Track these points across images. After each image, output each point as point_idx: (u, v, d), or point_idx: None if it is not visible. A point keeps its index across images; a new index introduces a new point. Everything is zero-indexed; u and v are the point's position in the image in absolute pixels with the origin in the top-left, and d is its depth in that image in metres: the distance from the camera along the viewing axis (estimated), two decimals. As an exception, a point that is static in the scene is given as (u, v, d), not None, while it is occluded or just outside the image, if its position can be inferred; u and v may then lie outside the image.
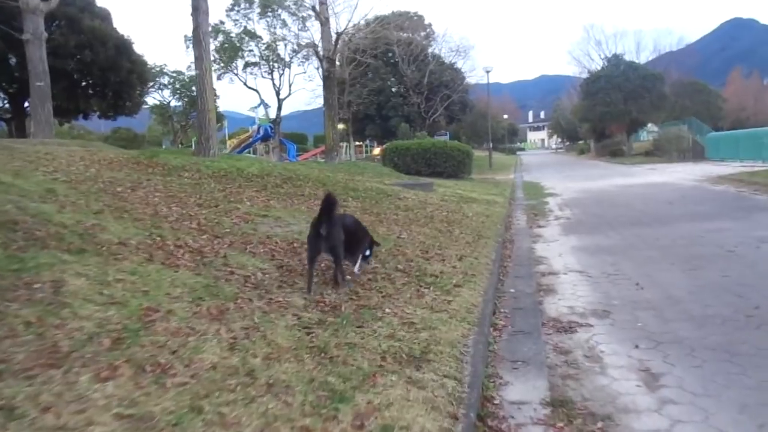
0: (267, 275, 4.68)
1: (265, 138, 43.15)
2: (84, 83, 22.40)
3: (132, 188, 7.22)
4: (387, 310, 4.34)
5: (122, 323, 3.20)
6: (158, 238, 4.91)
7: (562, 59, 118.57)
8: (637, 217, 11.31)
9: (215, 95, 45.23)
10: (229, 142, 53.11)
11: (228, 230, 5.89)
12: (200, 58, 10.95)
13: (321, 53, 17.25)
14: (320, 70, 17.39)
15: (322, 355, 3.33)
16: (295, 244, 5.86)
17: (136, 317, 3.32)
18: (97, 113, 24.72)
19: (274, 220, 6.84)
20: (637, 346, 4.21)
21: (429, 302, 4.70)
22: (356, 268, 5.20)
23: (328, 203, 4.63)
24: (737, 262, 6.75)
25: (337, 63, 38.68)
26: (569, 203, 14.72)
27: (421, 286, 5.17)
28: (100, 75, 22.07)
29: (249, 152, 47.54)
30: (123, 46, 22.99)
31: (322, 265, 5.24)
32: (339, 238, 4.69)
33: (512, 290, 5.95)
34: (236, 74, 37.54)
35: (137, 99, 23.58)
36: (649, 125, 51.86)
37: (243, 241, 5.60)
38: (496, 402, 3.34)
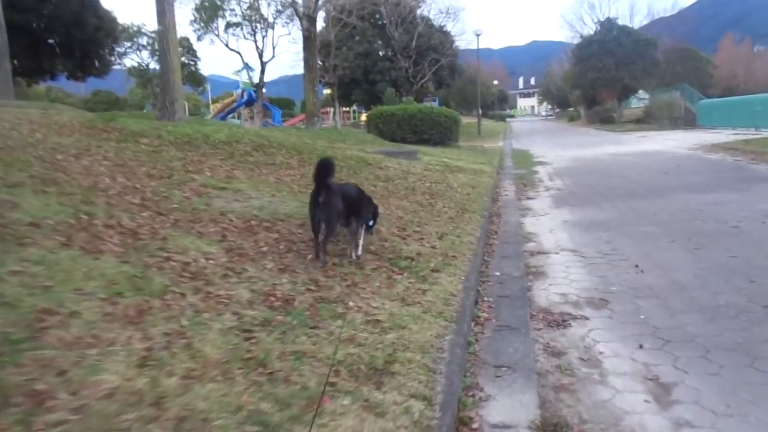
0: (211, 261, 3.99)
1: (250, 103, 42.01)
2: (49, 41, 20.93)
3: (76, 156, 6.44)
4: (350, 303, 3.70)
5: (3, 332, 2.51)
6: (85, 217, 4.19)
7: (554, 24, 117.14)
8: (631, 188, 10.69)
9: (195, 57, 43.96)
10: (212, 107, 51.68)
11: (176, 206, 5.17)
12: (163, 13, 10.01)
13: (301, 11, 16.24)
14: (301, 29, 16.32)
15: (260, 369, 2.68)
16: (252, 222, 5.16)
17: (26, 323, 2.64)
18: (65, 74, 23.33)
19: (234, 194, 6.12)
20: (641, 346, 3.61)
21: (401, 292, 4.06)
22: (357, 251, 4.85)
23: (322, 168, 4.52)
24: (744, 240, 6.16)
25: (323, 24, 37.41)
26: (560, 172, 14.08)
27: (393, 272, 4.52)
28: (64, 32, 20.50)
29: (234, 117, 46.41)
30: (88, 1, 21.38)
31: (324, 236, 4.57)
32: (335, 207, 4.48)
33: (498, 273, 5.31)
34: (217, 35, 36.11)
35: (106, 59, 22.24)
36: (640, 92, 51.08)
37: (191, 218, 4.89)
38: (474, 426, 2.72)
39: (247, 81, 45.68)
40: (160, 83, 10.57)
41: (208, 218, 4.99)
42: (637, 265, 5.41)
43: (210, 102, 53.58)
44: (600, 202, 9.24)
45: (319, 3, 16.42)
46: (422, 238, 5.76)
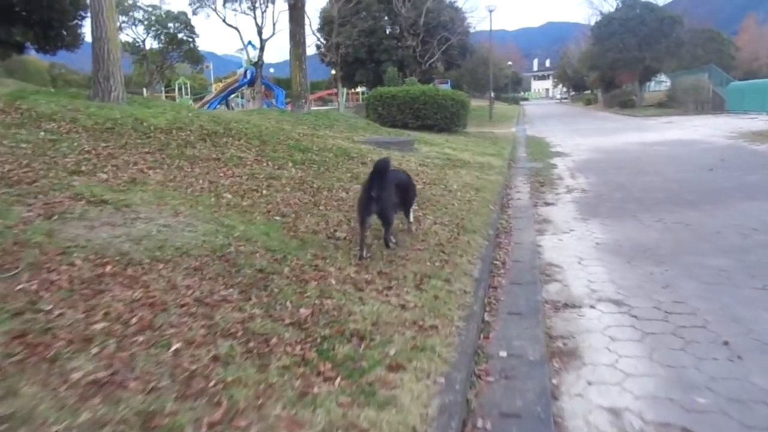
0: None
1: (252, 82, 40.02)
2: (16, 9, 18.73)
3: None
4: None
5: None
6: None
7: (570, 5, 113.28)
8: (674, 190, 8.61)
9: (193, 33, 41.72)
10: (214, 86, 49.64)
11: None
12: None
13: (285, -23, 14.15)
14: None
15: None
16: (107, 269, 3.18)
17: None
18: (34, 47, 21.28)
19: (115, 211, 4.16)
20: None
21: (320, 424, 2.10)
22: (413, 227, 5.27)
23: (380, 170, 4.45)
24: None
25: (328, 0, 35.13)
26: (582, 167, 11.98)
27: (317, 375, 2.55)
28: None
29: (237, 97, 44.35)
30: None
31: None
32: (390, 201, 4.61)
33: (503, 354, 3.33)
34: (214, 9, 33.92)
35: (75, 30, 20.11)
36: (659, 75, 48.35)
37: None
38: None
39: (250, 59, 43.55)
40: (92, 55, 8.55)
41: (30, 261, 3.03)
42: (726, 343, 3.40)
43: (212, 81, 51.52)
44: (639, 212, 7.18)
45: (307, -33, 14.27)
46: (389, 288, 3.78)
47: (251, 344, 2.72)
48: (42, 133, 6.16)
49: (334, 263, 4.07)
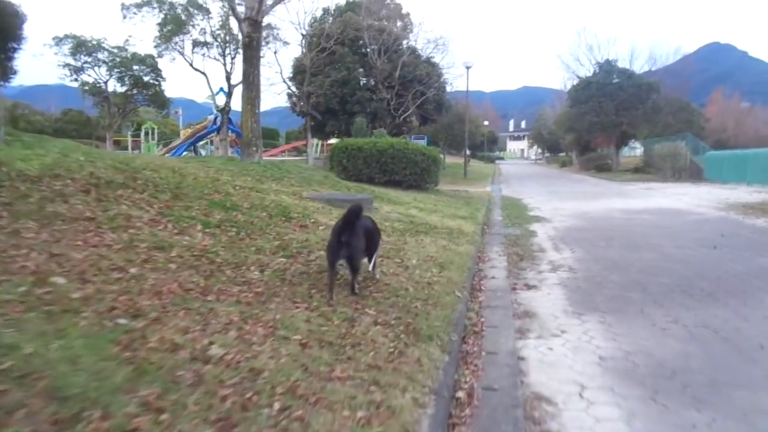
0: None
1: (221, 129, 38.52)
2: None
3: None
4: None
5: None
6: None
7: (546, 71, 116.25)
8: (681, 273, 7.08)
9: (160, 77, 40.19)
10: (182, 132, 47.95)
11: None
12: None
13: (241, 13, 12.75)
14: (241, 35, 12.80)
15: None
16: None
17: None
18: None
19: None
20: None
21: None
22: (377, 273, 5.31)
23: (354, 214, 4.63)
24: None
25: (302, 49, 34.20)
26: (566, 236, 10.46)
27: None
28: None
29: (207, 143, 42.69)
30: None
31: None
32: (359, 247, 4.70)
33: None
34: (182, 53, 32.60)
35: (3, 63, 18.31)
36: (631, 141, 48.35)
37: None
38: None
39: (217, 105, 42.12)
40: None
41: None
42: None
43: (180, 128, 49.88)
44: (647, 306, 5.58)
45: (265, 5, 12.93)
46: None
47: None
48: None
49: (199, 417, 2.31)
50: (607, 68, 40.40)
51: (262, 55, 39.85)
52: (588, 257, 8.33)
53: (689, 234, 10.70)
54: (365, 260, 5.05)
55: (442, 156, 38.18)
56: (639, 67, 44.19)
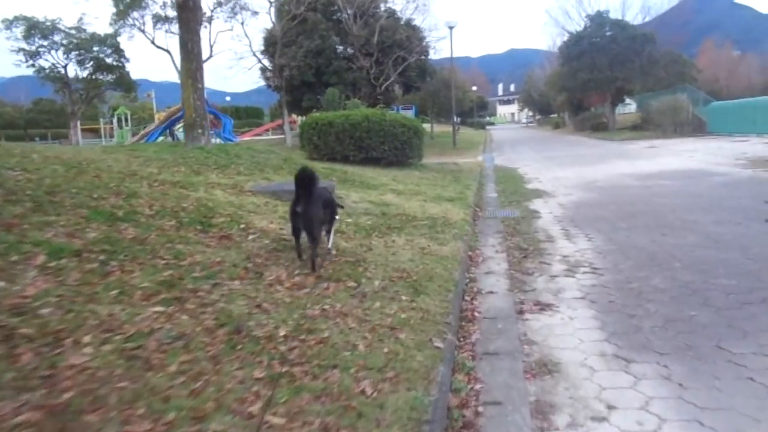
0: None
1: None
2: None
3: None
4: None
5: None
6: None
7: (532, 32, 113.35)
8: (746, 268, 5.21)
9: (123, 57, 37.49)
10: (157, 116, 45.38)
11: None
12: None
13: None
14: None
15: None
16: None
17: None
18: None
19: None
20: None
21: None
22: (330, 244, 5.05)
23: (304, 181, 4.49)
24: None
25: (271, 18, 31.70)
26: (576, 215, 8.57)
27: None
28: None
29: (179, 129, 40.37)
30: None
31: None
32: (316, 217, 4.57)
33: None
34: (142, 30, 30.09)
35: None
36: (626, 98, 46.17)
37: None
38: None
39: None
40: None
41: None
42: None
43: (155, 112, 47.34)
44: (725, 338, 3.70)
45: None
46: None
47: None
48: None
49: None
50: (599, 20, 37.98)
51: (229, 28, 37.22)
52: (611, 247, 6.43)
53: (725, 202, 8.81)
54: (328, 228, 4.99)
55: (429, 126, 36.05)
56: (632, 17, 41.81)
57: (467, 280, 5.34)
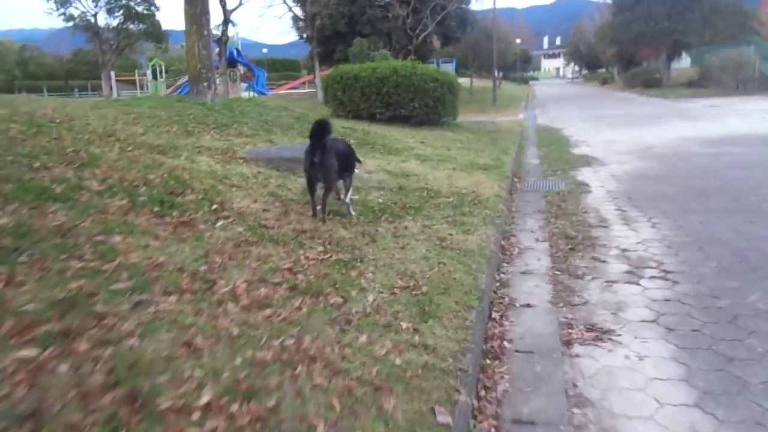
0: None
1: (232, 63, 35.03)
2: None
3: None
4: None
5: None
6: None
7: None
8: None
9: (153, 5, 36.35)
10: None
11: None
12: None
13: None
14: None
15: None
16: None
17: None
18: None
19: None
20: None
21: None
22: (351, 209, 4.96)
23: (317, 129, 4.59)
24: None
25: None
26: (633, 191, 7.19)
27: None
28: None
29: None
30: None
31: None
32: (332, 166, 4.65)
33: None
34: (168, -23, 28.76)
35: None
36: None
37: None
38: None
39: (231, 37, 38.37)
40: None
41: None
42: None
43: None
44: None
45: None
46: None
47: None
48: None
49: None
50: (658, -35, 34.80)
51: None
52: (683, 238, 5.09)
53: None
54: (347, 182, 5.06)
55: (469, 81, 34.10)
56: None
57: (497, 284, 4.14)
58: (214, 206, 4.40)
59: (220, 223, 4.10)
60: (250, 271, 3.41)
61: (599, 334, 3.31)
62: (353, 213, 4.89)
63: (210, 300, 2.97)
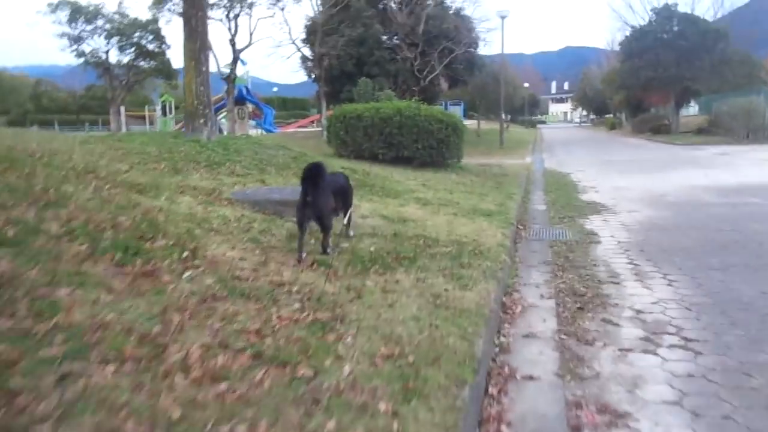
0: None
1: (241, 101, 35.21)
2: None
3: None
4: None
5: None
6: None
7: (589, 29, 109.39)
8: None
9: (164, 43, 36.83)
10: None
11: None
12: None
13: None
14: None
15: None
16: None
17: None
18: None
19: None
20: None
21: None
22: (350, 232, 5.23)
23: (313, 174, 4.48)
24: None
25: (313, 6, 30.26)
26: (646, 242, 6.74)
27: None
28: None
29: (223, 116, 39.66)
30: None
31: None
32: (326, 206, 4.62)
33: None
34: (180, 14, 29.16)
35: None
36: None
37: None
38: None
39: (241, 76, 38.66)
40: None
41: None
42: None
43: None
44: None
45: None
46: None
47: None
48: None
49: None
50: (666, 14, 35.04)
51: (270, 15, 35.94)
52: (704, 299, 4.62)
53: None
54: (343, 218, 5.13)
55: (476, 123, 34.07)
56: (702, 12, 38.63)
57: (496, 349, 3.68)
58: (185, 253, 3.99)
59: (187, 274, 3.68)
60: (212, 332, 2.97)
61: (613, 418, 2.83)
62: (352, 233, 5.24)
63: (156, 371, 2.52)
